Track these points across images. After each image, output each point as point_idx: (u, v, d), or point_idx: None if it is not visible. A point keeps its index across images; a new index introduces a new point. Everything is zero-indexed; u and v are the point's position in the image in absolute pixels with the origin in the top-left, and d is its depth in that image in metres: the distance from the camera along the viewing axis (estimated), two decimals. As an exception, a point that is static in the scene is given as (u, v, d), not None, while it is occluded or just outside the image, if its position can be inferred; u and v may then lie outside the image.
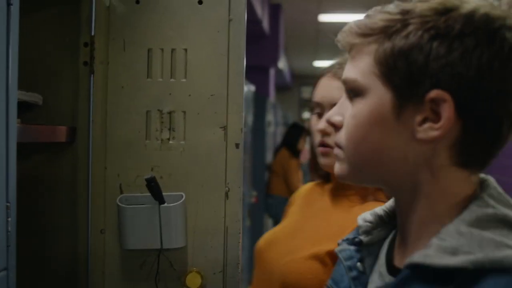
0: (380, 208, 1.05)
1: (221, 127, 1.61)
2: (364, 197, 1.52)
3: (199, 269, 1.62)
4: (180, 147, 1.62)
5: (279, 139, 8.79)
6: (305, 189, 1.79)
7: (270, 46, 7.56)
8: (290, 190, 6.53)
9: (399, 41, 0.87)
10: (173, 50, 1.62)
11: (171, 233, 1.57)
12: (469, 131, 0.86)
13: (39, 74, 1.65)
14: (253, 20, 6.34)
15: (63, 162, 1.67)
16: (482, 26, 0.84)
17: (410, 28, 0.86)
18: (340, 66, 1.55)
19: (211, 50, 1.61)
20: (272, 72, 8.32)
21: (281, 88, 13.65)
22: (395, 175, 0.92)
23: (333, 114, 0.97)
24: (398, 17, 0.88)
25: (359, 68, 0.92)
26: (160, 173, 1.62)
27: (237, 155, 1.62)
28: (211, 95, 1.61)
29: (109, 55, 1.62)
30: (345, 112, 0.95)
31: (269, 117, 6.91)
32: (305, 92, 17.11)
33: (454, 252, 0.82)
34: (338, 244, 1.06)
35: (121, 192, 1.62)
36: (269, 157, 7.02)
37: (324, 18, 8.01)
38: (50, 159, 1.67)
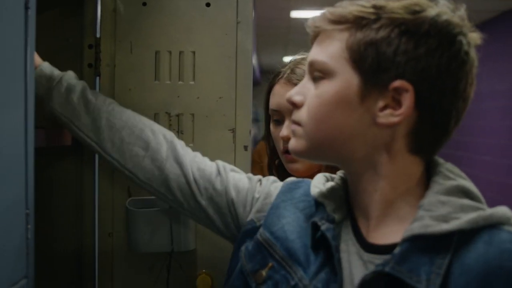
0: (330, 180, 1.12)
1: (229, 130, 1.61)
2: None
3: (208, 271, 1.62)
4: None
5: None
6: None
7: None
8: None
9: (370, 32, 0.94)
10: (181, 53, 1.61)
11: (181, 236, 1.57)
12: (424, 122, 0.95)
13: (42, 77, 1.63)
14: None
15: (69, 166, 1.66)
16: (444, 30, 0.93)
17: (382, 21, 0.94)
18: (292, 70, 1.58)
19: (219, 53, 1.61)
20: (244, 68, 8.30)
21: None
22: (353, 155, 0.98)
23: (294, 94, 1.03)
24: (371, 10, 0.96)
25: (329, 52, 0.98)
26: (169, 176, 1.61)
27: (246, 157, 1.62)
28: (220, 98, 1.61)
29: (115, 57, 1.61)
30: (306, 92, 1.01)
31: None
32: (274, 88, 17.13)
33: (445, 219, 0.91)
34: (317, 223, 1.04)
35: (130, 195, 1.61)
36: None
37: (296, 14, 8.01)
38: (56, 163, 1.65)
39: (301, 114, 1.01)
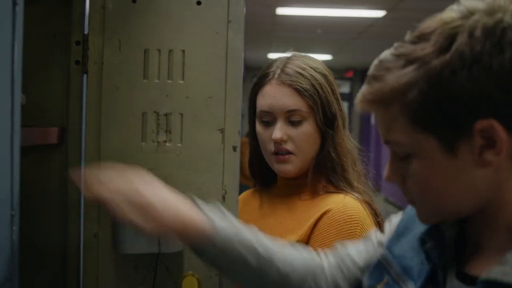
0: None
1: (218, 130, 1.59)
2: (316, 192, 1.55)
3: (195, 272, 1.60)
4: (177, 149, 1.60)
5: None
6: (245, 195, 1.80)
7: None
8: (243, 172, 6.48)
9: (419, 95, 0.88)
10: (170, 51, 1.59)
11: (168, 236, 1.54)
12: None
13: (27, 72, 1.59)
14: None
15: (53, 165, 1.63)
16: (489, 40, 0.85)
17: (429, 74, 0.86)
18: (282, 70, 1.55)
19: (209, 52, 1.59)
20: (229, 64, 8.28)
21: (235, 79, 13.58)
22: (469, 203, 0.94)
23: (391, 175, 0.98)
24: (410, 68, 0.89)
25: (397, 130, 0.92)
26: (156, 176, 1.58)
27: (235, 158, 1.61)
28: (209, 97, 1.59)
29: (104, 55, 1.58)
30: (398, 170, 0.97)
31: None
32: (258, 84, 17.10)
33: None
34: (423, 241, 1.03)
35: (116, 196, 1.59)
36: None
37: (282, 11, 8.00)
38: (39, 161, 1.62)
39: (409, 192, 0.98)
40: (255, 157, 1.69)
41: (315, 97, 1.54)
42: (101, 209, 1.59)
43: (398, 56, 0.91)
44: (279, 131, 1.55)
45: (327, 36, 9.88)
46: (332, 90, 1.59)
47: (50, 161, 1.63)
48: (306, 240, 1.47)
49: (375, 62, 0.95)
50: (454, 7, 0.91)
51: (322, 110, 1.55)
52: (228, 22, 1.59)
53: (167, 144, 1.60)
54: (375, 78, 0.93)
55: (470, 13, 0.88)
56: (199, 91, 1.59)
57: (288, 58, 1.63)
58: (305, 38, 10.51)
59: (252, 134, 1.68)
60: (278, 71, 1.58)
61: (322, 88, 1.56)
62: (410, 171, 0.94)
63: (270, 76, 1.59)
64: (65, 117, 1.63)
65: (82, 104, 1.62)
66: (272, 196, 1.66)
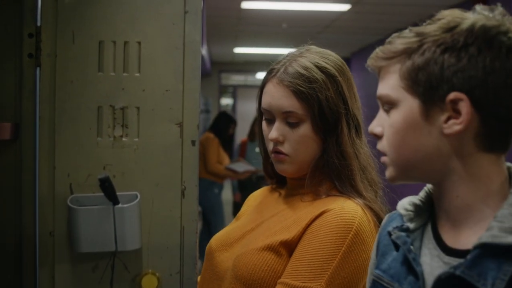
0: (416, 198, 1.20)
1: (176, 124, 1.56)
2: (317, 195, 1.50)
3: (155, 270, 1.57)
4: (134, 144, 1.56)
5: (201, 126, 8.72)
6: (260, 193, 1.74)
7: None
8: (207, 169, 6.44)
9: (417, 58, 1.06)
10: (126, 43, 1.55)
11: (125, 234, 1.51)
12: (487, 121, 1.03)
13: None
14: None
15: (7, 161, 1.57)
16: (481, 36, 1.04)
17: (425, 46, 1.06)
18: (285, 69, 1.49)
19: (166, 44, 1.55)
20: (194, 59, 8.20)
21: (202, 75, 13.49)
22: (432, 168, 1.08)
23: (373, 126, 1.14)
24: (414, 39, 1.07)
25: (389, 84, 1.10)
26: (113, 171, 1.55)
27: (194, 153, 1.57)
28: (166, 91, 1.55)
29: (57, 47, 1.54)
30: (383, 123, 1.12)
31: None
32: (225, 79, 17.09)
33: None
34: (390, 233, 1.17)
35: (72, 193, 1.54)
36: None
37: (247, 5, 7.96)
38: (-8, 158, 1.57)
39: (383, 144, 1.12)
40: (266, 155, 1.62)
41: (311, 100, 1.47)
42: (56, 206, 1.55)
43: (411, 30, 1.10)
44: (275, 131, 1.49)
45: (292, 30, 9.86)
46: (338, 91, 1.51)
47: (3, 157, 1.58)
48: (297, 240, 1.43)
49: (395, 34, 1.12)
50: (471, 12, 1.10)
51: (319, 113, 1.48)
52: (185, 13, 1.55)
53: (124, 139, 1.56)
54: (389, 42, 1.11)
55: (478, 14, 1.07)
56: (156, 84, 1.55)
57: (298, 55, 1.53)
58: (271, 32, 10.48)
59: (261, 132, 1.61)
60: (282, 69, 1.50)
61: (322, 91, 1.49)
62: (388, 123, 1.10)
63: (273, 73, 1.51)
64: (18, 112, 1.58)
65: (36, 99, 1.57)
66: (282, 195, 1.61)
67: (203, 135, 6.77)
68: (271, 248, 1.43)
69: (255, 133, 7.34)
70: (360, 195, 1.48)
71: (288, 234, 1.44)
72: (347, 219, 1.39)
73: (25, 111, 1.57)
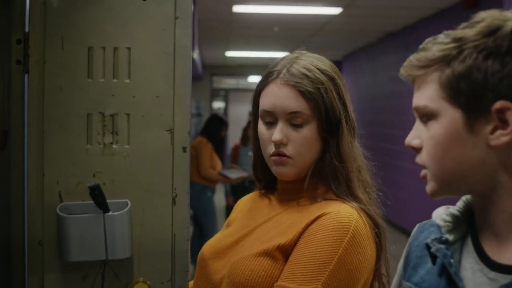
0: (454, 208, 1.15)
1: (167, 130, 1.54)
2: (314, 199, 1.50)
3: (146, 279, 1.55)
4: (124, 151, 1.54)
5: (193, 130, 8.70)
6: (249, 198, 1.72)
7: (185, 37, 7.44)
8: (200, 174, 6.42)
9: (458, 66, 0.99)
10: (115, 49, 1.53)
11: (116, 243, 1.49)
12: None
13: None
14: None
15: (-5, 169, 1.55)
16: None
17: (465, 53, 0.99)
18: (288, 70, 1.48)
19: (156, 49, 1.53)
20: (186, 62, 8.19)
21: (193, 78, 13.50)
22: (478, 181, 1.02)
23: (411, 139, 1.07)
24: (452, 45, 1.01)
25: (427, 95, 1.04)
26: (103, 179, 1.53)
27: (185, 159, 1.55)
28: (157, 97, 1.53)
29: (45, 53, 1.51)
30: (421, 135, 1.06)
31: (185, 108, 6.79)
32: (217, 82, 17.09)
33: None
34: (428, 245, 1.11)
35: (61, 201, 1.52)
36: (184, 149, 6.91)
37: (239, 9, 7.95)
38: (-20, 166, 1.54)
39: (423, 157, 1.06)
40: (259, 159, 1.61)
41: (318, 100, 1.47)
42: (45, 215, 1.53)
43: (447, 35, 1.04)
44: (279, 133, 1.46)
45: (284, 34, 9.87)
46: (339, 94, 1.51)
47: (-9, 165, 1.55)
48: (294, 244, 1.41)
49: (428, 39, 1.06)
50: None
51: (325, 114, 1.47)
52: (176, 18, 1.53)
53: (114, 146, 1.54)
54: (424, 49, 1.05)
55: None
56: (146, 90, 1.53)
57: (295, 57, 1.53)
58: (263, 35, 10.48)
59: (255, 135, 1.59)
60: (284, 70, 1.48)
61: (327, 92, 1.48)
62: (428, 135, 1.04)
63: (275, 75, 1.49)
64: (6, 119, 1.56)
65: (24, 105, 1.55)
66: (274, 200, 1.60)
67: (195, 139, 6.76)
68: (267, 253, 1.42)
69: (248, 137, 7.32)
70: (356, 197, 1.48)
71: (284, 239, 1.43)
72: (343, 222, 1.38)
73: (13, 118, 1.55)
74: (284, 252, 1.41)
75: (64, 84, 1.52)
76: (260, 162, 1.59)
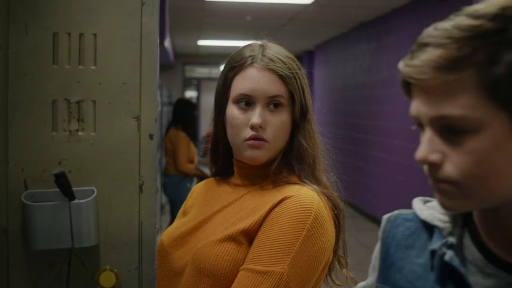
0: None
1: (134, 117, 1.53)
2: (276, 182, 1.52)
3: (113, 267, 1.54)
4: (90, 139, 1.52)
5: (165, 119, 8.64)
6: (203, 185, 1.75)
7: (157, 25, 7.39)
8: (177, 168, 6.40)
9: (500, 66, 0.82)
10: (81, 35, 1.51)
11: (82, 231, 1.47)
12: None
13: None
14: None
15: (-42, 156, 1.53)
16: None
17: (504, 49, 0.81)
18: (263, 55, 1.51)
19: (122, 36, 1.52)
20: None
21: (164, 67, 13.46)
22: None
23: (427, 154, 0.91)
24: (487, 40, 0.82)
25: (461, 102, 0.85)
26: (69, 166, 1.52)
27: (151, 147, 1.54)
28: (123, 84, 1.52)
29: (9, 39, 1.49)
30: (439, 148, 0.90)
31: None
32: (189, 71, 17.01)
33: None
34: (435, 250, 1.02)
35: (26, 188, 1.50)
36: (158, 138, 6.86)
37: (211, -3, 7.93)
38: None
39: (448, 172, 0.89)
40: (221, 144, 1.61)
41: (295, 85, 1.51)
42: (10, 203, 1.51)
43: (463, 29, 0.84)
44: (259, 116, 1.48)
45: (256, 23, 9.85)
46: (306, 81, 1.56)
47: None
48: (257, 228, 1.43)
49: (434, 30, 0.88)
50: None
51: (299, 99, 1.52)
52: (142, 4, 1.52)
53: (80, 133, 1.52)
54: (440, 45, 0.85)
55: None
56: (113, 77, 1.52)
57: (262, 45, 1.56)
58: (235, 24, 10.45)
59: (218, 120, 1.59)
60: (259, 55, 1.51)
61: (299, 78, 1.53)
62: (464, 149, 0.87)
63: (250, 61, 1.51)
64: (-31, 106, 1.53)
65: (-12, 92, 1.52)
66: (232, 186, 1.61)
67: (171, 131, 6.71)
68: (231, 238, 1.44)
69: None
70: (318, 180, 1.52)
71: (247, 223, 1.45)
72: (306, 205, 1.41)
73: (-23, 105, 1.52)
74: (248, 236, 1.43)
75: (28, 71, 1.50)
76: (223, 146, 1.60)
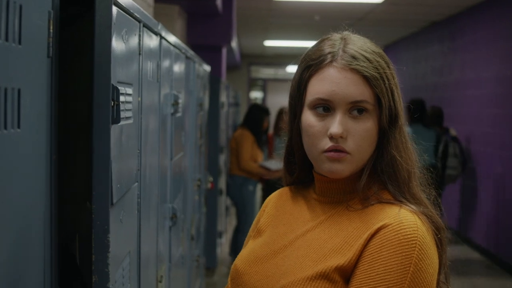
0: None
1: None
2: (365, 200, 1.31)
3: None
4: None
5: (231, 119, 8.56)
6: (278, 197, 1.53)
7: (224, 25, 7.30)
8: (240, 166, 6.29)
9: None
10: None
11: None
12: None
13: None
14: (206, -2, 6.09)
15: None
16: None
17: None
18: (344, 52, 1.29)
19: None
20: (224, 51, 8.07)
21: (231, 67, 13.42)
22: None
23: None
24: None
25: None
26: None
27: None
28: None
29: None
30: None
31: (223, 98, 6.64)
32: (255, 72, 16.97)
33: None
34: None
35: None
36: (223, 139, 6.77)
37: (278, -4, 7.81)
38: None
39: None
40: (298, 153, 1.40)
41: (383, 88, 1.29)
42: None
43: None
44: (339, 125, 1.26)
45: (325, 23, 9.67)
46: (395, 81, 1.32)
47: None
48: (354, 264, 1.25)
49: None
50: None
51: (388, 104, 1.30)
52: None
53: None
54: None
55: None
56: None
57: (343, 38, 1.34)
58: (302, 24, 10.31)
59: (293, 127, 1.38)
60: (340, 52, 1.30)
61: (388, 79, 1.30)
62: None
63: (329, 58, 1.29)
64: None
65: None
66: (313, 202, 1.40)
67: (237, 131, 6.61)
68: (324, 276, 1.24)
69: (280, 128, 7.08)
70: (415, 198, 1.31)
71: (342, 258, 1.24)
72: (409, 234, 1.22)
73: None
74: (344, 273, 1.24)
75: None
76: (301, 158, 1.40)
